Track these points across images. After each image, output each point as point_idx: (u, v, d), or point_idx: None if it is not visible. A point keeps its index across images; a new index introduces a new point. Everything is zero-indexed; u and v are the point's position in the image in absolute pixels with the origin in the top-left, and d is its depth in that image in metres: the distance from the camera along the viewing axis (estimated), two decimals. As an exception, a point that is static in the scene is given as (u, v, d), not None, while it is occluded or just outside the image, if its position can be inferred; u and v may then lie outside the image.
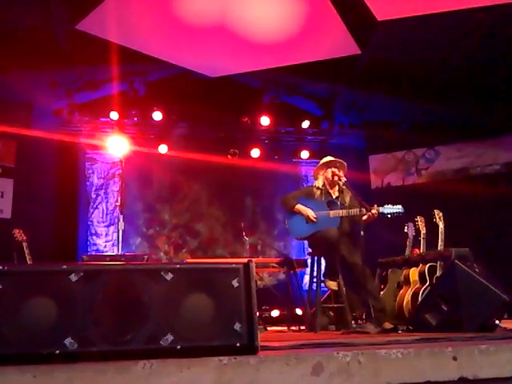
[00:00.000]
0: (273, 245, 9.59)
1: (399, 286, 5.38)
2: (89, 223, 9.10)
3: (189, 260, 7.45)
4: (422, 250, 5.53)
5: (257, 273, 6.19)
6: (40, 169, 8.30)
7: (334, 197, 4.95)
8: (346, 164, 5.02)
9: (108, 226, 9.15)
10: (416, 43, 7.41)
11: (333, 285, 4.86)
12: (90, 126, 8.91)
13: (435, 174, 9.36)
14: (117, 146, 7.56)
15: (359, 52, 7.27)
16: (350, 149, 9.51)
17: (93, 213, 9.16)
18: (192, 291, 1.87)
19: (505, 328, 3.69)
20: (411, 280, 5.21)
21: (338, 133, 9.78)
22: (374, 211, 4.51)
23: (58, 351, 1.70)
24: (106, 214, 9.19)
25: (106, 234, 9.12)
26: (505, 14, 6.45)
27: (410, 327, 4.21)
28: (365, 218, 4.55)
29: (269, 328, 6.23)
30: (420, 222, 5.70)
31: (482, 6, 6.16)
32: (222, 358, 1.67)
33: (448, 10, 6.24)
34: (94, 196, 9.24)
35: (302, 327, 5.61)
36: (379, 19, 6.46)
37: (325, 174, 5.00)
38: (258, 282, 6.64)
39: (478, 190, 8.21)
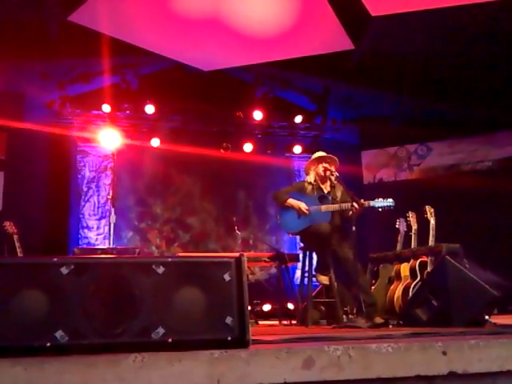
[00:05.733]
0: (265, 239, 9.60)
1: (390, 281, 5.41)
2: (80, 216, 9.07)
3: (180, 254, 7.43)
4: (412, 246, 5.56)
5: (248, 267, 6.19)
6: (31, 161, 8.25)
7: (325, 192, 4.96)
8: (337, 159, 5.02)
9: (99, 219, 9.12)
10: (409, 39, 7.41)
11: (324, 279, 4.87)
12: (81, 118, 8.86)
13: (427, 169, 9.40)
14: (109, 138, 7.51)
15: (353, 47, 7.27)
16: (342, 144, 9.54)
17: (84, 206, 9.13)
18: (183, 285, 1.87)
19: (494, 323, 3.72)
20: (402, 275, 5.24)
21: (331, 128, 9.79)
22: (360, 203, 4.51)
23: (48, 344, 1.69)
24: (98, 207, 9.16)
25: (98, 227, 9.09)
26: (498, 11, 6.46)
27: (401, 322, 4.24)
28: (350, 213, 4.56)
29: (260, 322, 6.23)
30: (411, 217, 5.72)
31: (476, 2, 6.17)
32: (213, 351, 1.67)
33: (442, 7, 6.25)
34: (85, 189, 9.20)
35: (294, 321, 5.63)
36: (373, 14, 6.46)
37: (316, 170, 5.00)
38: (250, 276, 6.67)
39: (470, 186, 8.25)
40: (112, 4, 6.54)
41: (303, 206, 4.82)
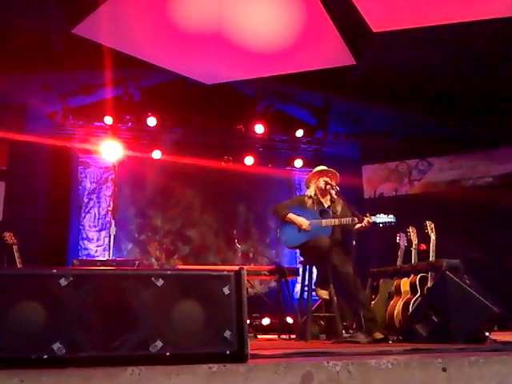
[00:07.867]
0: (265, 253, 9.57)
1: (390, 296, 5.38)
2: (80, 227, 9.05)
3: (180, 266, 7.41)
4: (413, 261, 5.55)
5: (248, 280, 6.17)
6: (32, 172, 8.27)
7: (325, 206, 4.95)
8: (338, 174, 5.02)
9: (100, 231, 9.10)
10: (410, 55, 7.46)
11: (324, 294, 4.85)
12: (83, 130, 8.89)
13: (428, 185, 9.40)
14: (110, 150, 7.53)
15: (354, 62, 7.31)
16: (343, 158, 9.55)
17: (84, 217, 9.12)
18: (182, 298, 1.86)
19: (494, 340, 3.70)
20: (402, 290, 5.21)
21: (332, 142, 9.81)
22: (366, 220, 4.51)
23: (46, 356, 1.68)
24: (98, 219, 9.15)
25: (98, 239, 9.08)
26: (498, 29, 6.51)
27: (401, 337, 4.21)
28: (357, 226, 4.55)
29: (259, 336, 6.19)
30: (412, 232, 5.71)
31: (476, 20, 6.22)
32: (211, 365, 1.66)
33: (443, 24, 6.30)
34: (86, 200, 9.20)
35: (293, 336, 5.59)
36: (375, 30, 6.51)
37: (316, 183, 5.00)
38: (249, 290, 6.64)
39: (470, 201, 8.25)
40: (115, 17, 6.59)
41: (304, 222, 4.80)
